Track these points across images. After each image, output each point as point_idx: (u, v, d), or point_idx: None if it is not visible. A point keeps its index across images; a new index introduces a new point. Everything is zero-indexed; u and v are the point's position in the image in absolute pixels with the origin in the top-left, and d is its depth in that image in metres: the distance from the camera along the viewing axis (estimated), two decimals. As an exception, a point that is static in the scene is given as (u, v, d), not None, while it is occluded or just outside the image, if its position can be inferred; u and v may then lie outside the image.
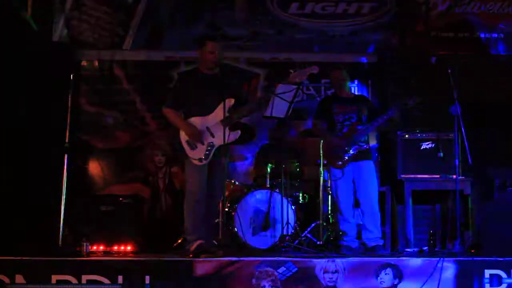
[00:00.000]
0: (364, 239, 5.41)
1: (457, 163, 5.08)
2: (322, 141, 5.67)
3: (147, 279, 4.23)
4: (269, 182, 6.06)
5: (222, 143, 4.83)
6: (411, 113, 5.94)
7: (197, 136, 4.83)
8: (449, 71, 4.94)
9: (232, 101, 4.91)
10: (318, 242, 5.91)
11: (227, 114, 4.80)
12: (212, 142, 4.87)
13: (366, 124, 5.47)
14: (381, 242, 5.38)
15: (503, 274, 4.39)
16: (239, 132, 4.92)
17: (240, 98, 5.04)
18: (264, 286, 4.26)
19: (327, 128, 5.52)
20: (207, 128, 4.88)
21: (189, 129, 4.85)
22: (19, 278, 4.20)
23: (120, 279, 4.22)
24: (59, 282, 4.22)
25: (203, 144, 4.85)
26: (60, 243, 5.24)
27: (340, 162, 5.41)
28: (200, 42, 4.99)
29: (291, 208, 5.69)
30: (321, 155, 5.93)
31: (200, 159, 4.84)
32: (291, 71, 4.94)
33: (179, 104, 4.98)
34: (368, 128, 5.44)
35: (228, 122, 4.80)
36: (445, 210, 6.17)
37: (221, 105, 4.83)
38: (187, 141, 4.88)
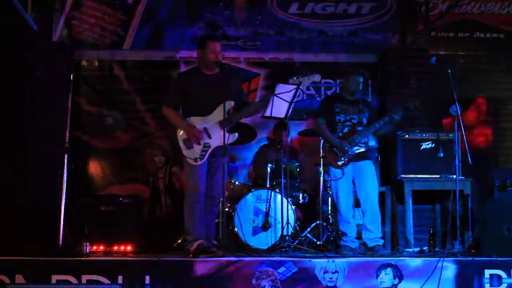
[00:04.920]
0: (364, 239, 5.41)
1: (457, 163, 5.08)
2: (322, 141, 5.68)
3: (147, 279, 4.23)
4: (269, 182, 6.07)
5: (219, 144, 4.83)
6: (411, 114, 5.93)
7: (196, 137, 4.83)
8: (449, 71, 4.93)
9: (232, 103, 4.91)
10: (318, 242, 5.93)
11: (226, 116, 4.80)
12: (208, 143, 4.87)
13: (367, 126, 5.48)
14: (381, 242, 5.37)
15: (503, 274, 4.39)
16: (237, 134, 4.92)
17: (240, 98, 5.05)
18: (264, 286, 4.26)
19: (328, 127, 5.51)
20: (205, 128, 4.88)
21: (188, 129, 4.85)
22: (19, 278, 4.20)
23: (120, 279, 4.22)
24: (59, 282, 4.21)
25: (199, 144, 4.85)
26: (60, 243, 5.24)
27: (340, 162, 5.41)
28: (201, 42, 4.99)
29: (291, 208, 5.69)
30: (321, 154, 5.95)
31: (195, 159, 4.84)
32: (294, 77, 4.97)
33: (179, 103, 4.99)
34: (369, 130, 5.45)
35: (226, 124, 4.81)
36: (445, 210, 6.17)
37: (220, 106, 4.83)
38: (184, 140, 4.88)
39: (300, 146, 6.98)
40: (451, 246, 4.93)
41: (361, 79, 5.55)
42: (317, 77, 5.01)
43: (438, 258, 4.39)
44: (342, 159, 5.40)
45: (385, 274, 4.35)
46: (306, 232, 6.10)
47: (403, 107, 5.50)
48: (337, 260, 4.37)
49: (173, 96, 5.00)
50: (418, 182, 5.77)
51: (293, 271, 4.31)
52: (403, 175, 5.81)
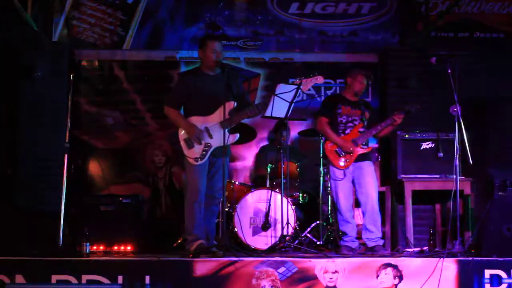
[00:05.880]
0: (364, 239, 5.41)
1: (457, 163, 5.08)
2: (324, 141, 5.68)
3: (147, 279, 4.22)
4: (269, 182, 6.07)
5: (220, 144, 4.83)
6: (411, 114, 5.93)
7: (196, 136, 4.83)
8: (449, 71, 4.93)
9: (233, 104, 4.91)
10: (318, 242, 5.93)
11: (227, 117, 4.80)
12: (209, 143, 4.87)
13: (368, 128, 5.48)
14: (381, 242, 5.37)
15: (503, 274, 4.39)
16: (238, 135, 4.92)
17: (241, 99, 5.05)
18: (264, 286, 4.25)
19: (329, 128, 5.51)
20: (206, 128, 4.88)
21: (189, 128, 4.85)
22: (19, 278, 4.20)
23: (120, 279, 4.22)
24: (59, 282, 4.21)
25: (200, 144, 4.85)
26: (60, 243, 5.24)
27: (342, 163, 5.40)
28: (201, 41, 5.00)
29: (291, 208, 5.69)
30: (322, 154, 5.96)
31: (196, 159, 4.84)
32: (296, 79, 4.98)
33: (180, 103, 4.99)
34: (371, 132, 5.45)
35: (227, 125, 4.81)
36: (445, 210, 6.17)
37: (221, 107, 4.83)
38: (185, 140, 4.88)
39: (300, 146, 6.98)
40: (451, 246, 4.93)
41: (366, 81, 5.55)
42: (319, 79, 5.01)
43: (438, 258, 4.38)
44: (344, 159, 5.40)
45: (385, 274, 4.35)
46: (306, 232, 6.10)
47: (404, 111, 5.49)
48: (337, 260, 4.36)
49: (175, 96, 5.00)
50: (418, 182, 5.77)
51: (293, 271, 4.30)
52: (403, 175, 5.81)
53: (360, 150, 5.41)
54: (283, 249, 5.15)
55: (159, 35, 7.20)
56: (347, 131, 5.47)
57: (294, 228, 5.70)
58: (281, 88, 4.94)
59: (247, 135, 6.12)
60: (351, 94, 5.57)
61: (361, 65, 6.87)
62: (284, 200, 5.44)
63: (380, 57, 7.18)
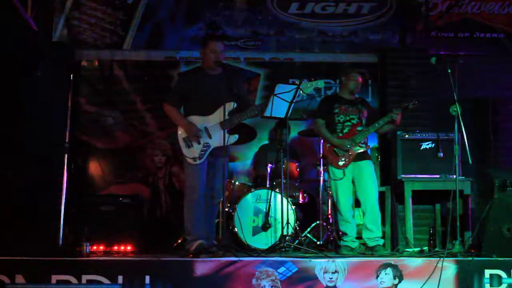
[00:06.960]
0: (365, 239, 5.41)
1: (457, 163, 5.08)
2: (323, 141, 5.68)
3: (147, 279, 4.23)
4: (269, 182, 6.07)
5: (219, 144, 4.83)
6: (411, 114, 5.93)
7: (195, 135, 4.83)
8: (449, 71, 4.93)
9: (233, 104, 4.91)
10: (318, 242, 5.93)
11: (227, 117, 4.80)
12: (208, 143, 4.87)
13: (367, 126, 5.48)
14: (381, 242, 5.37)
15: (503, 274, 4.39)
16: (237, 136, 4.92)
17: (242, 100, 5.04)
18: (264, 286, 4.26)
19: (327, 128, 5.51)
20: (206, 128, 4.88)
21: (188, 127, 4.85)
22: (19, 278, 4.20)
23: (120, 279, 4.22)
24: (59, 282, 4.21)
25: (199, 143, 4.85)
26: (60, 243, 5.24)
27: (341, 163, 5.41)
28: (203, 41, 5.00)
29: (291, 208, 5.69)
30: (321, 154, 5.96)
31: (194, 159, 4.84)
32: (296, 82, 4.98)
33: (180, 102, 4.99)
34: (369, 130, 5.45)
35: (227, 125, 4.81)
36: (445, 210, 6.18)
37: (221, 107, 4.83)
38: (184, 139, 4.88)
39: (300, 146, 6.98)
40: (451, 246, 4.94)
41: (360, 78, 5.56)
42: (320, 83, 5.02)
43: (438, 258, 4.39)
44: (343, 159, 5.40)
45: (385, 274, 4.35)
46: (306, 232, 6.10)
47: (402, 107, 5.51)
48: (337, 260, 4.37)
49: (175, 95, 5.01)
50: (418, 182, 5.77)
51: (293, 271, 4.31)
52: (403, 175, 5.81)
53: (358, 149, 5.41)
54: (283, 249, 5.15)
55: (159, 35, 7.19)
56: (345, 130, 5.48)
57: (294, 228, 5.70)
58: (280, 88, 4.94)
59: (247, 135, 6.12)
60: (347, 93, 5.58)
61: (361, 65, 6.87)
62: (284, 200, 5.44)
63: (380, 57, 7.17)
